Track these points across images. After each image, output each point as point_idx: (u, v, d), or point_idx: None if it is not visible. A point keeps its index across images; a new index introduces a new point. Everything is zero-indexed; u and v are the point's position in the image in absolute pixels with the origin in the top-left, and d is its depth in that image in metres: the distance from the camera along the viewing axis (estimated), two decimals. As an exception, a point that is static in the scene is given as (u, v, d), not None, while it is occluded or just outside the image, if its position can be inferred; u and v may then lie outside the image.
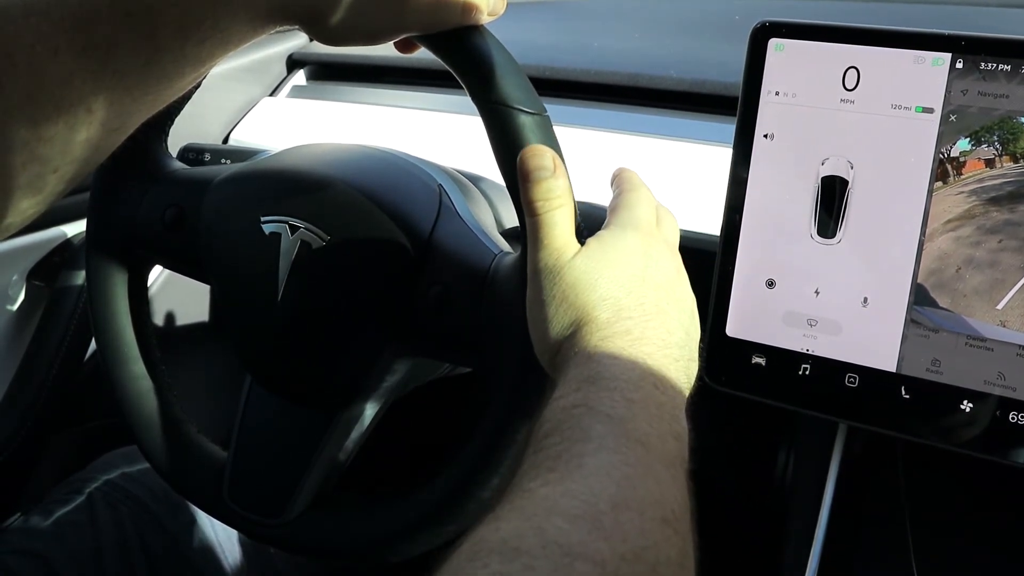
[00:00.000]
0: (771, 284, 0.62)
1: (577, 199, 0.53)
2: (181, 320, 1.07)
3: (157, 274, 1.01)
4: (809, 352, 0.62)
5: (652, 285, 0.48)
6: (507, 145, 0.51)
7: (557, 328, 0.47)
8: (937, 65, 0.57)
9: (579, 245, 0.49)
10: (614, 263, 0.48)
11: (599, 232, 0.50)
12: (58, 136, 0.43)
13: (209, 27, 0.44)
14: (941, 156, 0.57)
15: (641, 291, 0.47)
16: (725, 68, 0.85)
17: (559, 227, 0.49)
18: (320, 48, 1.11)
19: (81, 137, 0.43)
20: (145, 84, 0.44)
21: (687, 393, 0.45)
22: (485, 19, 0.51)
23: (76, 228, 0.96)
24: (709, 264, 0.64)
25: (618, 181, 0.56)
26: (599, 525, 0.33)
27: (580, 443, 0.38)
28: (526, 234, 0.50)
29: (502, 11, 0.51)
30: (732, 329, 0.64)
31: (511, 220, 0.66)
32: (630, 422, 0.39)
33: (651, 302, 0.47)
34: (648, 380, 0.43)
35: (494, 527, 0.33)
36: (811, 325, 0.61)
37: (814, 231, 0.61)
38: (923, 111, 0.57)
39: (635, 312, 0.46)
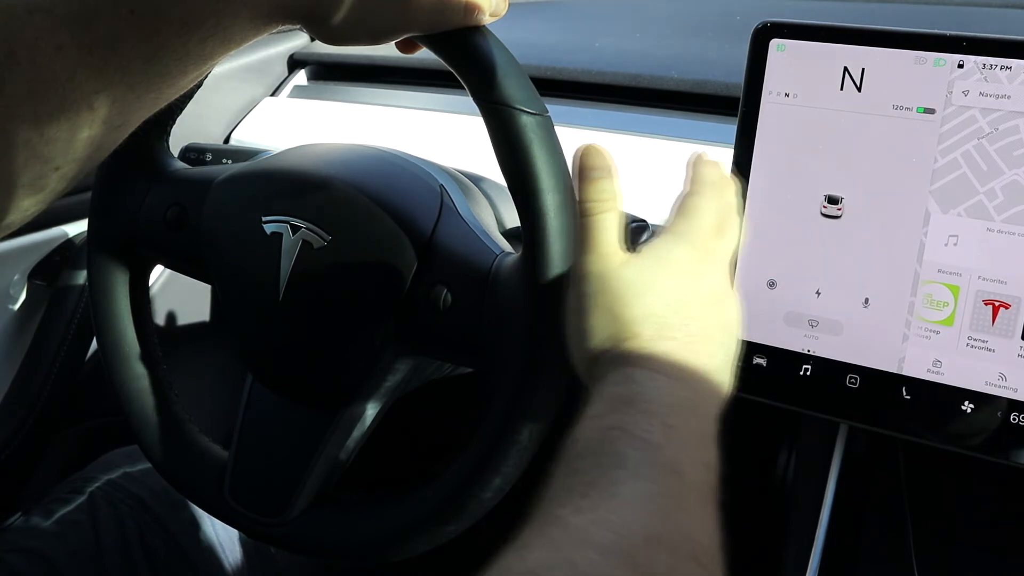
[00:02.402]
0: (772, 284, 0.62)
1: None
2: (182, 319, 1.07)
3: (158, 273, 1.01)
4: (810, 352, 0.62)
5: (699, 304, 0.46)
6: (509, 145, 0.51)
7: (597, 338, 0.45)
8: (939, 66, 0.57)
9: (625, 252, 0.47)
10: (663, 278, 0.46)
11: (652, 239, 0.48)
12: (60, 134, 0.43)
13: (211, 25, 0.44)
14: (942, 157, 0.57)
15: (687, 311, 0.45)
16: (726, 68, 0.85)
17: (609, 232, 0.47)
18: (321, 48, 1.12)
19: (83, 135, 0.43)
20: (147, 82, 0.44)
21: (718, 420, 0.44)
22: (487, 20, 0.51)
23: (77, 227, 0.96)
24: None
25: (692, 176, 0.52)
26: (631, 560, 0.32)
27: (614, 469, 0.37)
28: (524, 237, 0.50)
29: (504, 12, 0.51)
30: (733, 329, 0.64)
31: (512, 220, 0.66)
32: (667, 449, 0.38)
33: (696, 323, 0.45)
34: (686, 406, 0.41)
35: (521, 556, 0.32)
36: (812, 326, 0.61)
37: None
38: (924, 112, 0.57)
39: (679, 332, 0.44)
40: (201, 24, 0.44)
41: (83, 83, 0.42)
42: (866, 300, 0.60)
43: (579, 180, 0.48)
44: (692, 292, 0.46)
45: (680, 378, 0.42)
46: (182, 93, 0.48)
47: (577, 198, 0.48)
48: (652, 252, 0.47)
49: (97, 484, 0.83)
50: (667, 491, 0.36)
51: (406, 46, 0.53)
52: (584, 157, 0.48)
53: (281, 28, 0.48)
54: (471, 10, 0.49)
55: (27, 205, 0.45)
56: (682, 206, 0.50)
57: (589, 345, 0.46)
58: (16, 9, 0.41)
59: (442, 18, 0.49)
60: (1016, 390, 0.57)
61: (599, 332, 0.45)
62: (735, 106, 0.62)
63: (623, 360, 0.43)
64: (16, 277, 0.94)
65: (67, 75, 0.41)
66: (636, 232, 0.65)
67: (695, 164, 0.52)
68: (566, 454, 0.39)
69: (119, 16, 0.42)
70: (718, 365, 0.45)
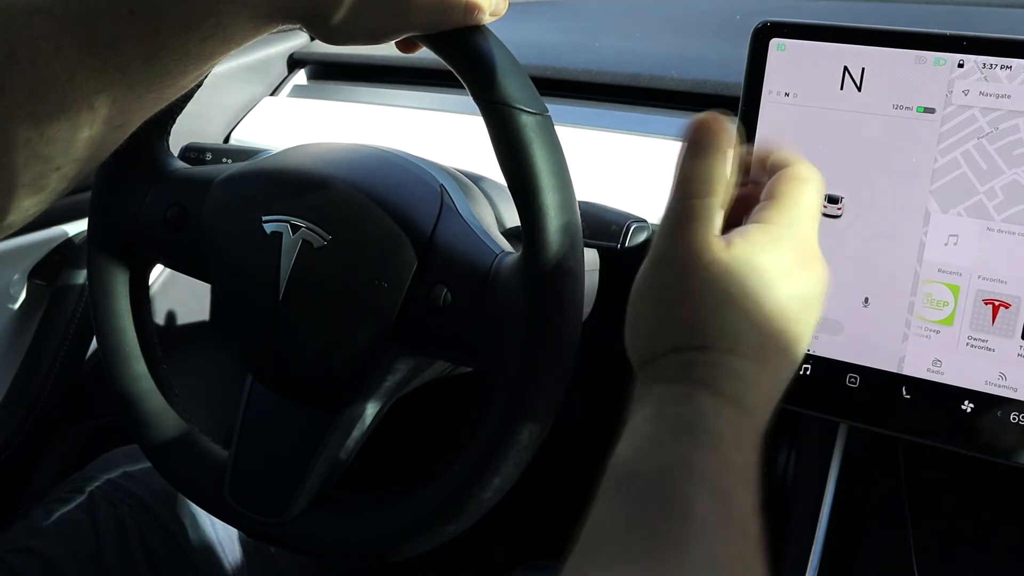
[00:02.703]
0: (772, 284, 0.62)
1: (579, 199, 0.53)
2: (182, 319, 1.07)
3: (158, 273, 1.01)
4: (810, 352, 0.62)
5: (783, 319, 0.40)
6: (509, 145, 0.51)
7: (662, 335, 0.40)
8: (939, 65, 0.57)
9: (718, 246, 0.40)
10: (753, 287, 0.39)
11: (752, 228, 0.41)
12: (60, 134, 0.43)
13: (212, 25, 0.44)
14: (942, 156, 0.57)
15: (769, 326, 0.39)
16: (726, 68, 0.85)
17: (707, 221, 0.40)
18: (321, 47, 1.12)
19: (83, 135, 0.43)
20: (148, 81, 0.44)
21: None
22: (487, 20, 0.51)
23: (77, 227, 0.96)
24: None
25: (778, 157, 0.44)
26: None
27: (682, 524, 0.33)
28: (524, 236, 0.49)
29: (504, 11, 0.51)
30: (733, 329, 0.64)
31: (512, 220, 0.66)
32: (733, 499, 0.34)
33: (773, 341, 0.40)
34: (747, 439, 0.37)
35: None
36: (812, 325, 0.61)
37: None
38: (924, 111, 0.57)
39: (754, 353, 0.39)
40: (201, 24, 0.44)
41: (83, 83, 0.42)
42: (866, 299, 0.60)
43: (687, 153, 0.40)
44: (779, 306, 0.40)
45: (745, 405, 0.38)
46: (183, 93, 0.48)
47: (678, 174, 0.40)
48: (747, 251, 0.40)
49: (97, 484, 0.83)
50: (736, 555, 0.33)
51: (406, 46, 0.53)
52: (698, 129, 0.40)
53: (281, 28, 0.48)
54: (471, 10, 0.49)
55: (28, 205, 0.45)
56: (784, 191, 0.42)
57: (651, 342, 0.40)
58: (16, 9, 0.41)
59: (442, 18, 0.49)
60: (1016, 390, 0.57)
61: (665, 330, 0.40)
62: (735, 106, 0.62)
63: (686, 373, 0.38)
64: (16, 277, 0.94)
65: (67, 75, 0.41)
66: (636, 232, 0.66)
67: (774, 152, 0.44)
68: (622, 486, 0.35)
69: (119, 16, 0.42)
70: (781, 386, 0.41)
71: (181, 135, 0.74)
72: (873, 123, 0.58)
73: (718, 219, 0.41)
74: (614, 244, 0.65)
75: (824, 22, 0.59)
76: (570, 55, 0.95)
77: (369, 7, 0.47)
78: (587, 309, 0.72)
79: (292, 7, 0.46)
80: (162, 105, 0.47)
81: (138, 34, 0.42)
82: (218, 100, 1.04)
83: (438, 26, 0.50)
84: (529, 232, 0.52)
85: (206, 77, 0.51)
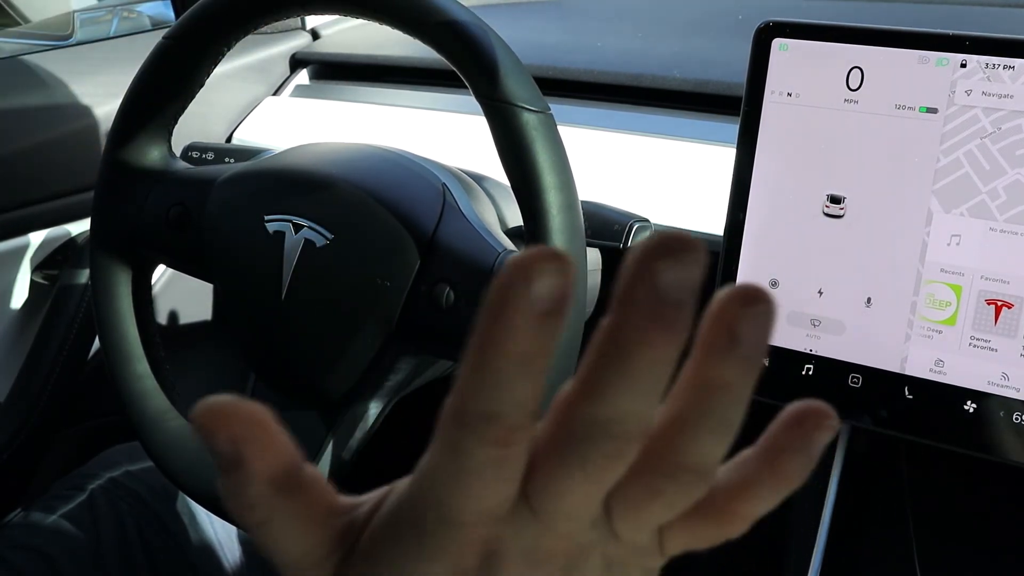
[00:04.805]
0: (775, 284, 0.62)
1: (582, 198, 0.53)
2: (185, 319, 1.07)
3: (161, 272, 1.01)
4: (812, 352, 0.62)
5: None
6: (511, 143, 0.51)
7: None
8: (941, 65, 0.57)
9: None
10: None
11: None
12: None
13: None
14: (945, 156, 0.57)
15: None
16: (729, 68, 0.85)
17: None
18: (323, 48, 1.12)
19: None
20: None
21: None
22: None
23: (80, 227, 0.96)
24: (712, 265, 0.64)
25: None
26: None
27: None
28: (526, 235, 0.49)
29: None
30: (735, 329, 0.64)
31: (515, 219, 0.66)
32: None
33: None
34: None
35: None
36: (815, 325, 0.61)
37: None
38: (927, 111, 0.57)
39: None
40: None
41: None
42: (868, 299, 0.60)
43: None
44: None
45: None
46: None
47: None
48: None
49: (98, 481, 0.83)
50: None
51: None
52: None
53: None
54: None
55: None
56: None
57: None
58: None
59: None
60: (1019, 390, 0.57)
61: None
62: (737, 106, 0.62)
63: None
64: (19, 275, 0.94)
65: None
66: (639, 232, 0.66)
67: None
68: None
69: None
70: None
71: (183, 135, 0.74)
72: (876, 123, 0.58)
73: None
74: (617, 244, 0.65)
75: (827, 22, 0.59)
76: (572, 55, 0.95)
77: None
78: (589, 309, 0.72)
79: None
80: None
81: None
82: (220, 100, 1.04)
83: None
84: (531, 231, 0.52)
85: (208, 77, 0.50)
